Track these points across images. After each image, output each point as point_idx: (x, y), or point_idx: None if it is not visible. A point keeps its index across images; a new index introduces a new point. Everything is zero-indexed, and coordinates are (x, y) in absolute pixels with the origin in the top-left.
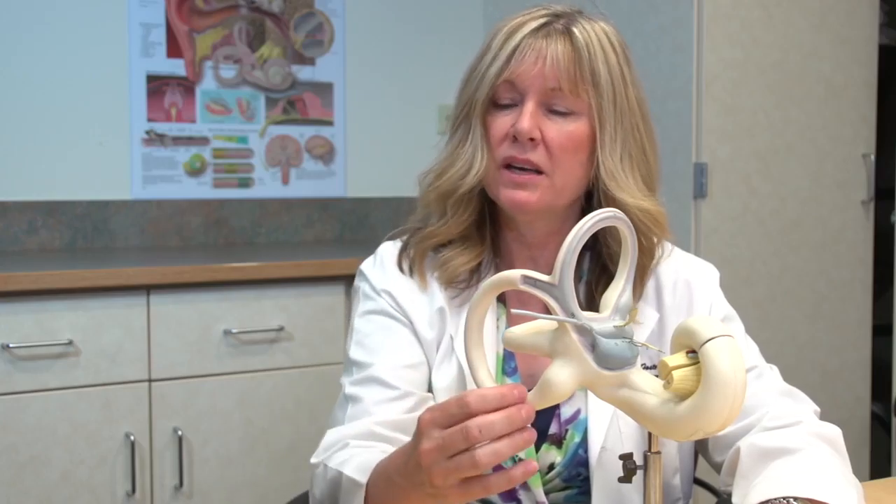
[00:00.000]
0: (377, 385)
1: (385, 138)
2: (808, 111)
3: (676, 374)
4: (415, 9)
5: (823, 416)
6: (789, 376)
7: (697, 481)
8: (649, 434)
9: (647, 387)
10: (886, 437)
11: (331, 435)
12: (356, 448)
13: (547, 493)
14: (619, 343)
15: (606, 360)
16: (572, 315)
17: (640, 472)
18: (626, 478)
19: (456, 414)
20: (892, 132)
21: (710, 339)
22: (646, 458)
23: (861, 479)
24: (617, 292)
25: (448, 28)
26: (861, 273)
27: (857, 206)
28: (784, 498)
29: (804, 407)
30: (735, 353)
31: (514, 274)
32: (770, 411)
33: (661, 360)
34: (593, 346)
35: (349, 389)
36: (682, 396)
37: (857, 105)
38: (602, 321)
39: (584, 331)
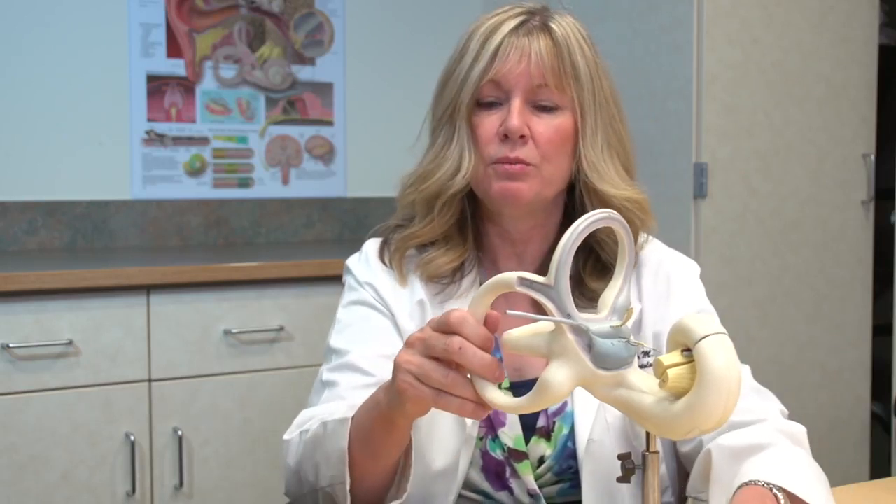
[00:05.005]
0: (353, 372)
1: (385, 138)
2: (808, 111)
3: (671, 372)
4: (415, 9)
5: (823, 416)
6: (789, 376)
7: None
8: (647, 434)
9: (644, 386)
10: (886, 437)
11: (304, 414)
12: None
13: (540, 487)
14: (615, 343)
15: (603, 361)
16: (568, 316)
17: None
18: (625, 477)
19: (442, 328)
20: (892, 132)
21: (704, 337)
22: (644, 457)
23: (861, 479)
24: (614, 292)
25: (448, 28)
26: (861, 273)
27: (857, 206)
28: (767, 483)
29: (771, 405)
30: (729, 350)
31: (511, 276)
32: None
33: (657, 359)
34: (590, 347)
35: (326, 376)
36: (678, 395)
37: (857, 105)
38: (599, 322)
39: (580, 331)
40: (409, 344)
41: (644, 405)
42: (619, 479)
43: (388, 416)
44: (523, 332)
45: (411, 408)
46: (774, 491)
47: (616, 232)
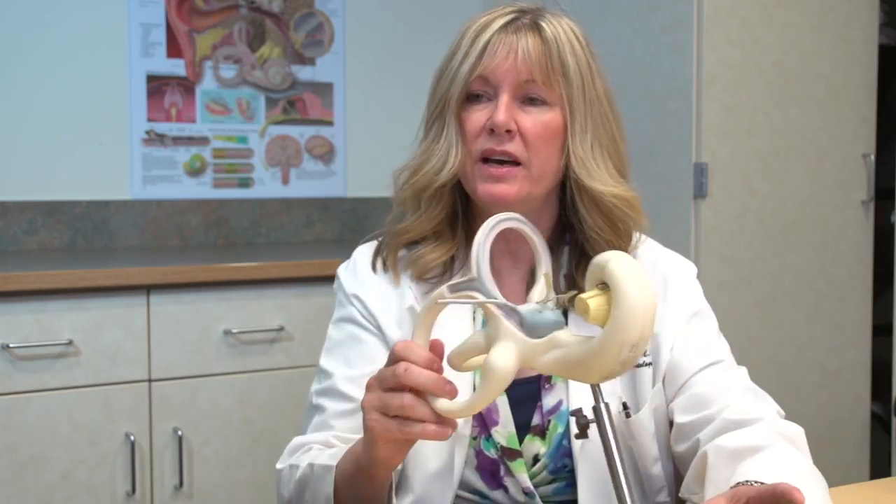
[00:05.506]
0: (337, 397)
1: (385, 138)
2: (808, 111)
3: (591, 303)
4: (415, 9)
5: (823, 416)
6: (789, 376)
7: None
8: (592, 388)
9: (572, 339)
10: (886, 437)
11: (295, 441)
12: (324, 450)
13: (535, 486)
14: (542, 311)
15: (535, 330)
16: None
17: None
18: (581, 433)
19: (391, 360)
20: (892, 132)
21: (608, 261)
22: (595, 411)
23: (861, 479)
24: (538, 290)
25: (448, 28)
26: (861, 273)
27: (857, 206)
28: (756, 481)
29: (767, 406)
30: (632, 262)
31: (441, 288)
32: (731, 405)
33: (578, 296)
34: (522, 323)
35: (315, 399)
36: (604, 325)
37: (857, 105)
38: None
39: (509, 311)
40: (368, 387)
41: (575, 352)
42: (577, 436)
43: (366, 468)
44: (463, 341)
45: (382, 447)
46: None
47: (523, 234)
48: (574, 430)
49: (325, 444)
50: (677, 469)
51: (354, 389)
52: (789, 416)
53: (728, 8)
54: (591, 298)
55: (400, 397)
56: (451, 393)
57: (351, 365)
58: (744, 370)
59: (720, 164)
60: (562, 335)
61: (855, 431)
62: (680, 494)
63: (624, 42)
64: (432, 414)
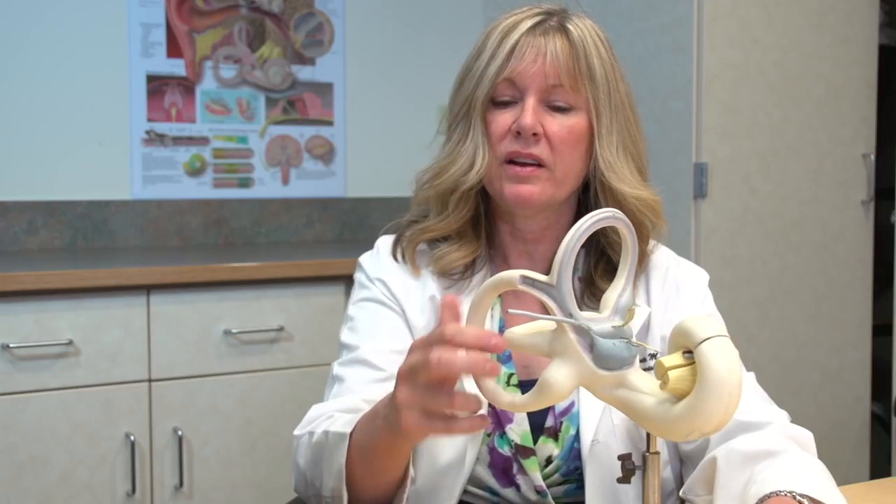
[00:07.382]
0: (363, 366)
1: (385, 138)
2: (808, 111)
3: (672, 374)
4: (415, 9)
5: (823, 416)
6: (789, 376)
7: None
8: (647, 434)
9: (645, 387)
10: (886, 437)
11: (315, 409)
12: (341, 416)
13: (547, 487)
14: (616, 343)
15: (604, 361)
16: (570, 315)
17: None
18: (625, 478)
19: (435, 334)
20: (892, 132)
21: (705, 340)
22: (644, 458)
23: (861, 479)
24: (617, 292)
25: (448, 28)
26: (861, 273)
27: (857, 206)
28: (790, 492)
29: (776, 409)
30: (730, 353)
31: (514, 274)
32: (741, 405)
33: (658, 360)
34: (591, 347)
35: (337, 370)
36: (679, 396)
37: (857, 105)
38: (601, 321)
39: (581, 331)
40: (400, 378)
41: (644, 406)
42: (620, 480)
43: (390, 442)
44: (526, 330)
45: (414, 436)
46: (797, 496)
47: (620, 231)
48: (618, 473)
49: (348, 409)
50: (686, 471)
51: (381, 361)
52: (790, 416)
53: (728, 8)
54: (673, 370)
55: (447, 399)
56: (495, 371)
57: (377, 339)
58: (752, 375)
59: (720, 164)
60: (632, 378)
61: (855, 431)
62: (681, 494)
63: (624, 42)
64: (474, 403)
